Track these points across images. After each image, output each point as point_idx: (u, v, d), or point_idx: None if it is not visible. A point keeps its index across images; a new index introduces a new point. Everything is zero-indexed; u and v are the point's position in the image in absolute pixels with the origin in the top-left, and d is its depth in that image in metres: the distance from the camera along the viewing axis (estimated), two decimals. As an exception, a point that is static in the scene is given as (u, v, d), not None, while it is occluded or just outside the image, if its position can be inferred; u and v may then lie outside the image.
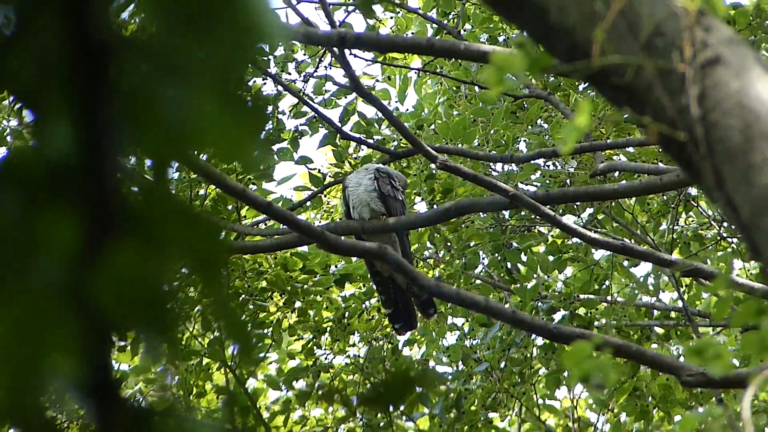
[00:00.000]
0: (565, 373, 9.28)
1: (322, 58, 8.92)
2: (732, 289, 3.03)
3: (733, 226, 9.65)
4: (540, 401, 9.74)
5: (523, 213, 9.14)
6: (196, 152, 1.58)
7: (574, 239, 9.28)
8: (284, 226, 7.21)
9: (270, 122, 8.90)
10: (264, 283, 9.27)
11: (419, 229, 9.22)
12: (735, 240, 9.69)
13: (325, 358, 9.71)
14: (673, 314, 9.54)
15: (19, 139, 8.89)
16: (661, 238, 9.38)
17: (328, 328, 9.65)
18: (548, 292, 9.13)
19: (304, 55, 8.98)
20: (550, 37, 2.34)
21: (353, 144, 9.35)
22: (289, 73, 8.94)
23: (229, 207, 8.83)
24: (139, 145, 1.55)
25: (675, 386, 9.35)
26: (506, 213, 9.21)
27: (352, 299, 9.70)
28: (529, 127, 9.08)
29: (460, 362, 9.33)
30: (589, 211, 9.42)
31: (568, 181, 8.97)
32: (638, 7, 2.28)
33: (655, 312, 9.59)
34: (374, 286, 8.81)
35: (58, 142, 1.51)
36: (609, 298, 9.20)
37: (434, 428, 9.32)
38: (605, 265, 9.32)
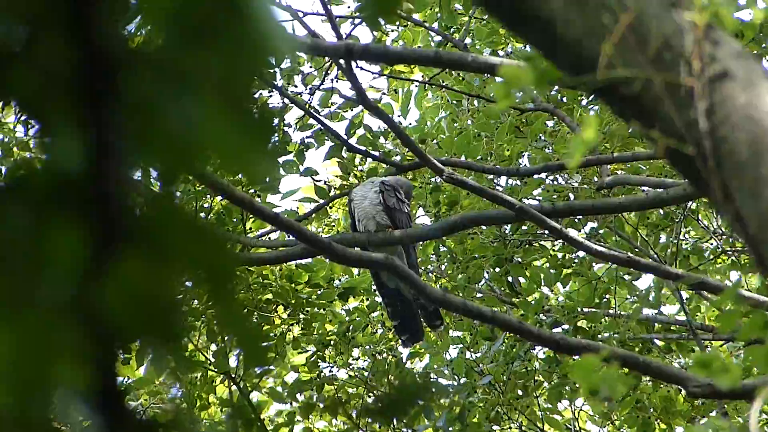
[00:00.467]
0: (567, 387, 9.30)
1: (329, 71, 8.93)
2: (739, 302, 3.02)
3: (732, 239, 9.60)
4: (542, 414, 9.74)
5: (524, 227, 9.16)
6: (202, 164, 1.58)
7: (576, 253, 9.30)
8: (290, 238, 7.21)
9: (276, 135, 8.89)
10: (269, 296, 9.27)
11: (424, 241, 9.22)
12: (734, 252, 9.69)
13: (329, 371, 9.71)
14: (673, 327, 9.55)
15: (26, 150, 8.90)
16: (662, 251, 9.38)
17: (332, 342, 9.64)
18: (549, 305, 9.15)
19: (311, 67, 8.99)
20: (556, 49, 2.33)
21: (359, 156, 9.36)
22: (296, 86, 8.95)
23: (234, 219, 8.83)
24: (145, 156, 1.55)
25: (676, 398, 9.36)
26: (507, 227, 9.22)
27: (356, 312, 9.70)
28: (534, 142, 9.09)
29: (464, 375, 9.33)
30: (591, 225, 9.43)
31: (570, 195, 8.97)
32: (646, 20, 2.27)
33: (656, 325, 9.60)
34: (380, 299, 8.80)
35: (65, 154, 1.50)
36: (612, 312, 9.20)
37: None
38: (607, 278, 9.32)
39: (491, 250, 9.20)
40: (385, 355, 9.69)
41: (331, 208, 9.78)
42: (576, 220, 9.28)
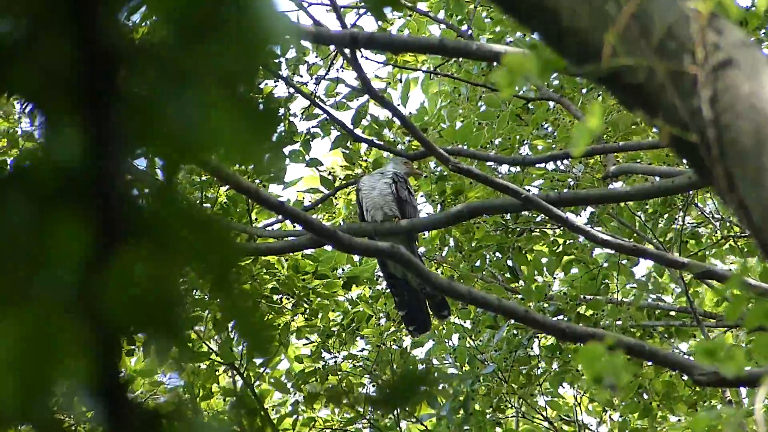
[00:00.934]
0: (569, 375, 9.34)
1: (334, 61, 8.92)
2: (745, 290, 3.02)
3: (729, 224, 9.58)
4: (544, 399, 9.78)
5: (526, 214, 9.17)
6: (206, 156, 1.58)
7: (578, 240, 9.32)
8: (296, 227, 7.21)
9: (282, 125, 8.89)
10: (274, 284, 9.28)
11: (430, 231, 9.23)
12: (731, 237, 9.70)
13: (333, 361, 9.72)
14: (673, 313, 9.57)
15: (30, 141, 8.90)
16: (661, 236, 9.38)
17: (336, 331, 9.66)
18: (552, 293, 9.18)
19: (316, 57, 8.99)
20: (562, 39, 2.33)
21: (364, 146, 9.36)
22: (301, 76, 8.94)
23: (238, 210, 8.84)
24: (149, 148, 1.55)
25: (678, 383, 9.38)
26: (508, 216, 9.24)
27: (360, 303, 9.72)
28: (535, 130, 9.10)
29: (467, 363, 9.35)
30: (590, 210, 9.44)
31: (571, 182, 8.97)
32: (650, 9, 2.27)
33: (658, 312, 9.63)
34: (388, 289, 8.81)
35: (67, 147, 1.50)
36: (614, 299, 9.21)
37: (442, 429, 9.31)
38: (608, 264, 9.33)
39: (495, 240, 9.21)
40: (389, 344, 9.70)
41: (336, 199, 9.79)
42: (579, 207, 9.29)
